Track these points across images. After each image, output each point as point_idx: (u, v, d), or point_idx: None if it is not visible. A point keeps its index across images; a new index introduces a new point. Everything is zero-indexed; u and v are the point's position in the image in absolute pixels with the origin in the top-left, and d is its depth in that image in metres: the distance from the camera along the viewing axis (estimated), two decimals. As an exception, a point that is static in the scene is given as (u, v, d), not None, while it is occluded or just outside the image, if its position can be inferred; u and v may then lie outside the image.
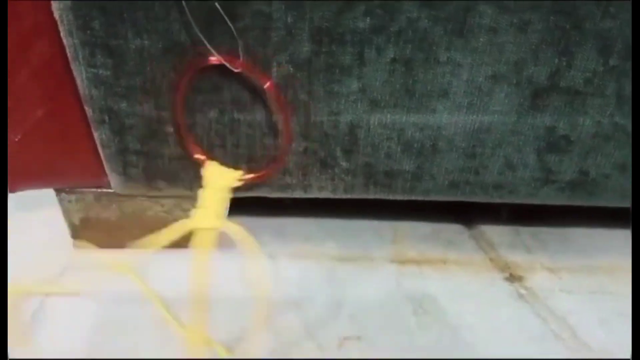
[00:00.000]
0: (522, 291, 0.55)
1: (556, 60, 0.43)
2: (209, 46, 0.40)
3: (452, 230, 0.63)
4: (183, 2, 0.39)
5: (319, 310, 0.53)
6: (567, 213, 0.62)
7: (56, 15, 0.42)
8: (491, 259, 0.59)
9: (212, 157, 0.46)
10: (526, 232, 0.63)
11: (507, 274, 0.57)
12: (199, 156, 0.39)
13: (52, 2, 0.42)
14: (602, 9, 0.40)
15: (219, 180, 0.37)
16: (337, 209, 0.64)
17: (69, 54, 0.44)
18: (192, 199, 0.56)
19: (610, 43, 0.42)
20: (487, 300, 0.54)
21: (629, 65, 0.43)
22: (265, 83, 0.42)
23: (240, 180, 0.38)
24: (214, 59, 0.41)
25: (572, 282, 0.56)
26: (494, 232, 0.63)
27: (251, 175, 0.39)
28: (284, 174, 0.50)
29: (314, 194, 0.52)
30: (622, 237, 0.61)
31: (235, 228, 0.34)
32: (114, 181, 0.52)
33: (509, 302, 0.54)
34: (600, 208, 0.54)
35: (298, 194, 0.52)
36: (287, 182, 0.51)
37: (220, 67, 0.42)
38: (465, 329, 0.51)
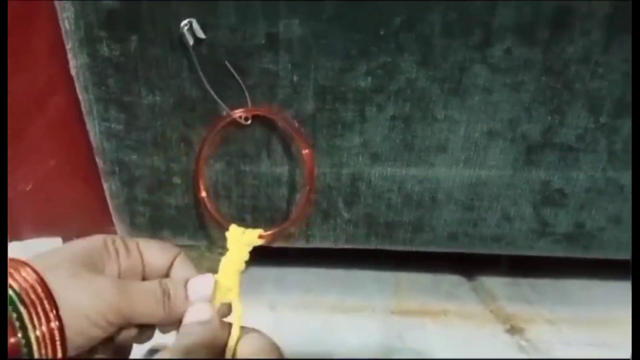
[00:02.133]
0: (523, 343, 0.55)
1: (549, 118, 0.45)
2: (222, 104, 0.42)
3: (453, 281, 0.64)
4: (195, 59, 0.41)
5: (320, 360, 0.53)
6: (565, 265, 0.62)
7: (73, 72, 0.45)
8: (492, 311, 0.59)
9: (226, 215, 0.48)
10: (526, 284, 0.63)
11: (508, 326, 0.57)
12: (221, 221, 0.42)
13: (69, 59, 0.44)
14: (591, 69, 0.42)
15: (242, 241, 0.39)
16: (338, 259, 0.65)
17: (83, 109, 0.46)
18: (197, 248, 0.58)
19: (600, 102, 0.44)
20: (488, 352, 0.54)
21: (619, 123, 0.45)
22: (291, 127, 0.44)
23: (261, 237, 0.40)
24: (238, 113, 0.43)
25: (571, 334, 0.56)
26: (494, 283, 0.63)
27: (272, 232, 0.41)
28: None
29: (316, 243, 0.53)
30: (620, 289, 0.62)
31: (239, 308, 0.35)
32: (121, 230, 0.53)
33: (510, 354, 0.54)
34: (598, 260, 0.54)
35: (300, 244, 0.53)
36: (289, 231, 0.52)
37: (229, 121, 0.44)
38: (466, 382, 0.51)
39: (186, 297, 0.32)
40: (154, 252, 0.34)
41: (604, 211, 0.49)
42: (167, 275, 0.34)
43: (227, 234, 0.40)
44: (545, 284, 0.63)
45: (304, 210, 0.45)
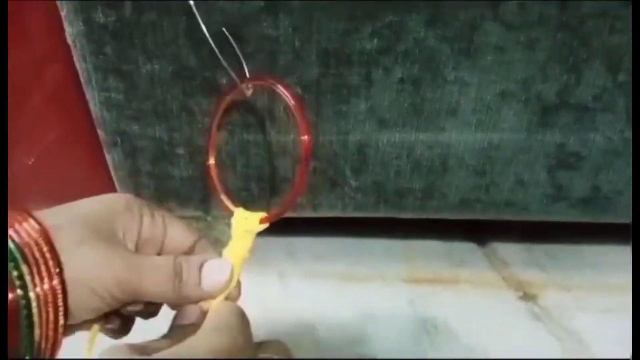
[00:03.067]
0: (537, 310, 0.54)
1: (564, 77, 0.43)
2: (229, 69, 0.40)
3: (465, 248, 0.63)
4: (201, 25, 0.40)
5: (330, 328, 0.52)
6: (580, 230, 0.61)
7: (69, 40, 0.43)
8: (504, 278, 0.58)
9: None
10: (539, 250, 0.62)
11: (520, 293, 0.56)
12: (229, 205, 0.39)
13: (65, 27, 0.43)
14: (609, 24, 0.40)
15: (246, 226, 0.36)
16: (347, 227, 0.64)
17: (82, 78, 0.45)
18: (203, 219, 0.57)
19: (618, 59, 0.42)
20: (501, 319, 0.53)
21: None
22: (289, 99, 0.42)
23: (263, 221, 0.37)
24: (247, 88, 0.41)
25: (587, 300, 0.55)
26: (507, 250, 0.62)
27: (276, 212, 0.39)
28: (294, 193, 0.50)
29: (325, 213, 0.52)
30: (638, 254, 0.60)
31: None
32: (126, 202, 0.53)
33: (523, 320, 0.53)
34: (614, 224, 0.53)
35: (307, 213, 0.52)
36: (297, 201, 0.51)
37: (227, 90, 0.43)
38: (480, 348, 0.50)
39: (199, 282, 0.29)
40: (178, 230, 0.31)
41: (621, 174, 0.47)
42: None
43: (232, 219, 0.38)
44: (560, 250, 0.62)
45: (299, 190, 0.41)
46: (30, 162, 0.51)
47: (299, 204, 0.51)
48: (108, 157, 0.49)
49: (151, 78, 0.44)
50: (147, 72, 0.43)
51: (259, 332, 0.45)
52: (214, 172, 0.41)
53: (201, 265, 0.29)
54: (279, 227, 0.55)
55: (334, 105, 0.44)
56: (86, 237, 0.26)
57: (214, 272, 0.29)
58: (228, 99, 0.42)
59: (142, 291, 0.27)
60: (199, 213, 0.54)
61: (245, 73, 0.42)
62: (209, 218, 0.56)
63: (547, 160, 0.47)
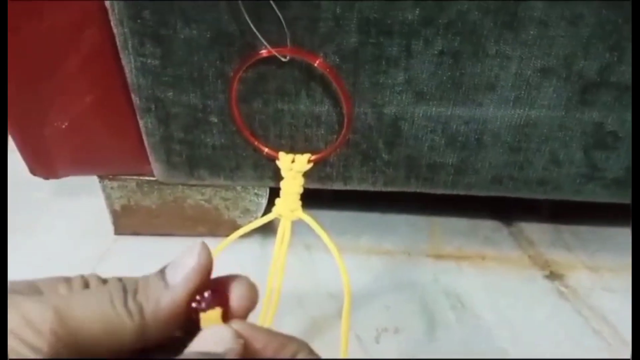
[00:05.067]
0: (563, 289, 0.54)
1: (607, 55, 0.42)
2: (260, 37, 0.40)
3: (490, 226, 0.63)
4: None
5: (355, 301, 0.53)
6: (608, 212, 0.60)
7: (107, 4, 0.43)
8: (530, 257, 0.58)
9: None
10: (566, 231, 0.62)
11: (547, 272, 0.56)
12: (269, 151, 0.45)
13: (103, -9, 0.42)
14: (657, 2, 0.39)
15: (294, 167, 0.44)
16: (372, 202, 0.64)
17: (118, 43, 0.45)
18: (233, 188, 0.57)
19: (664, 37, 0.41)
20: (526, 297, 0.53)
21: (682, 61, 0.42)
22: (325, 69, 0.42)
23: (310, 161, 0.45)
24: (265, 51, 0.42)
25: (613, 281, 0.55)
26: (533, 229, 0.62)
27: (321, 155, 0.46)
28: (325, 165, 0.50)
29: (354, 186, 0.52)
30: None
31: (311, 219, 0.43)
32: (157, 169, 0.53)
33: (549, 299, 0.53)
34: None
35: (338, 186, 0.52)
36: (327, 173, 0.51)
37: (266, 57, 0.43)
38: (504, 325, 0.50)
39: (165, 286, 0.22)
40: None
41: (658, 155, 0.47)
42: None
43: (278, 162, 0.45)
44: (587, 231, 0.62)
45: (345, 137, 0.46)
46: (63, 127, 0.51)
47: (330, 176, 0.51)
48: (141, 123, 0.49)
49: (189, 43, 0.43)
50: (185, 38, 0.43)
51: (284, 302, 0.46)
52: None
53: (162, 272, 0.24)
54: (306, 200, 0.56)
55: (372, 76, 0.44)
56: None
57: (178, 268, 0.23)
58: (248, 63, 0.43)
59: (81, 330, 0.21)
60: (228, 182, 0.54)
61: (286, 39, 0.41)
62: (238, 188, 0.56)
63: (583, 139, 0.46)
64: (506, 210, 0.64)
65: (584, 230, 0.62)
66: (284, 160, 0.46)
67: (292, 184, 0.44)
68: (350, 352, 0.48)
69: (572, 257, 0.58)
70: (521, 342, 0.49)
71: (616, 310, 0.52)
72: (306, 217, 0.43)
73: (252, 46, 0.43)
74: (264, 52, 0.42)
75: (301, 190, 0.44)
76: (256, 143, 0.48)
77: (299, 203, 0.44)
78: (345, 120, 0.44)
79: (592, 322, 0.51)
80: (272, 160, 0.48)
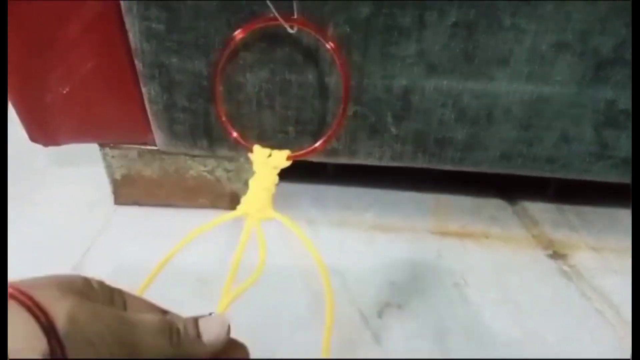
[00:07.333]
0: (566, 268, 0.54)
1: (623, 31, 0.41)
2: (270, 5, 0.39)
3: (495, 205, 0.62)
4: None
5: (359, 276, 0.52)
6: (612, 193, 0.60)
7: (111, -35, 0.42)
8: (534, 236, 0.58)
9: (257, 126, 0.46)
10: (571, 211, 0.61)
11: (550, 251, 0.56)
12: (240, 140, 0.39)
13: (108, -48, 0.41)
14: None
15: (270, 162, 0.37)
16: (377, 177, 0.64)
17: (122, 6, 0.43)
18: (236, 160, 0.56)
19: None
20: (529, 275, 0.53)
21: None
22: (326, 42, 0.40)
23: (288, 159, 0.38)
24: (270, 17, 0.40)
25: (617, 262, 0.55)
26: (538, 209, 0.62)
27: (301, 153, 0.38)
28: (331, 138, 0.49)
29: (360, 160, 0.51)
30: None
31: (284, 218, 0.36)
32: (159, 138, 0.52)
33: (552, 278, 0.53)
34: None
35: (344, 160, 0.51)
36: (334, 147, 0.50)
37: (273, 26, 0.41)
38: (508, 303, 0.50)
39: (198, 335, 0.29)
40: (143, 308, 0.29)
41: (670, 136, 0.46)
42: None
43: (251, 155, 0.38)
44: (591, 212, 0.61)
45: (336, 130, 0.41)
46: (64, 92, 0.50)
47: (336, 150, 0.50)
48: (144, 90, 0.48)
49: (195, 9, 0.42)
50: (192, 3, 0.42)
51: (288, 276, 0.45)
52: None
53: (196, 321, 0.29)
54: (310, 174, 0.55)
55: (383, 46, 0.43)
56: (65, 294, 0.25)
57: (213, 326, 0.29)
58: (246, 31, 0.40)
59: (141, 345, 0.26)
60: (232, 153, 0.53)
61: (293, 8, 0.40)
62: (241, 159, 0.55)
63: (595, 116, 0.45)
64: (511, 189, 0.64)
65: (588, 210, 0.61)
66: (258, 153, 0.38)
67: (264, 179, 0.37)
68: (353, 327, 0.48)
69: (576, 237, 0.58)
70: (523, 319, 0.49)
71: (619, 291, 0.52)
72: (280, 217, 0.36)
73: (260, 14, 0.41)
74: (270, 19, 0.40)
75: (274, 189, 0.37)
76: (225, 123, 0.43)
77: (270, 201, 0.36)
78: (341, 110, 0.40)
79: (595, 302, 0.51)
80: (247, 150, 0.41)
